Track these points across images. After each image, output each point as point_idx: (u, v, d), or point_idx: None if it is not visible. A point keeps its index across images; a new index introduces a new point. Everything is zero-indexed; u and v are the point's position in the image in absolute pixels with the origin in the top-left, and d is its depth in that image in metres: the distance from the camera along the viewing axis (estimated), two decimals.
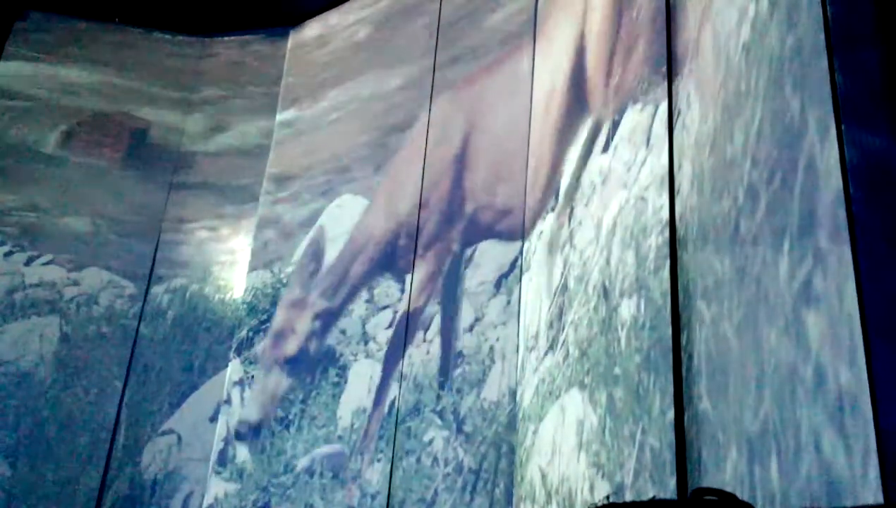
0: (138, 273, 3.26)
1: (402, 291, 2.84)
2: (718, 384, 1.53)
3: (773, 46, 1.49)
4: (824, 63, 1.35)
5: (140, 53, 3.65)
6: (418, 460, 2.54)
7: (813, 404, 1.37)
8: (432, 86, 3.08)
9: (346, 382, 2.86)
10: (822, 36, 1.36)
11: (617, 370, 1.88)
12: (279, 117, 3.52)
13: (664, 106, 1.92)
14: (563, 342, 2.20)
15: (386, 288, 2.92)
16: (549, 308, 2.34)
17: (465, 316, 2.66)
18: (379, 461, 2.63)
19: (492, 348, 2.55)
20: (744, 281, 1.49)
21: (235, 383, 3.04)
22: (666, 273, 1.74)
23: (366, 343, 2.88)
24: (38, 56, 3.54)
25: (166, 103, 3.59)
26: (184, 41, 3.68)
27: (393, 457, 2.58)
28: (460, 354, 2.61)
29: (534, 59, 2.83)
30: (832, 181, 1.28)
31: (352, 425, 2.76)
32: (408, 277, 2.84)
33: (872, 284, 1.23)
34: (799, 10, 1.43)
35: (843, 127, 1.30)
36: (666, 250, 1.74)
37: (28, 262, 3.23)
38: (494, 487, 2.34)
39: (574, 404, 2.05)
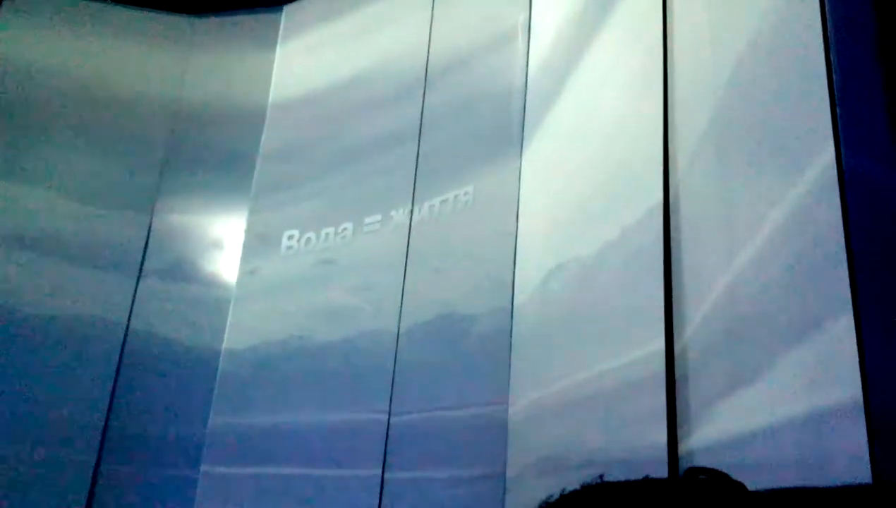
0: (129, 258, 3.26)
1: None
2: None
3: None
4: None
5: (131, 33, 3.61)
6: None
7: (804, 384, 1.39)
8: (427, 60, 3.07)
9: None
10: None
11: None
12: (272, 96, 3.49)
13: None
14: None
15: None
16: None
17: None
18: None
19: None
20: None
21: (228, 376, 3.05)
22: None
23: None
24: (27, 35, 3.51)
25: (157, 83, 3.55)
26: (175, 21, 3.65)
27: None
28: None
29: None
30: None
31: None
32: None
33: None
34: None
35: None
36: None
37: None
38: None
39: None
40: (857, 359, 1.27)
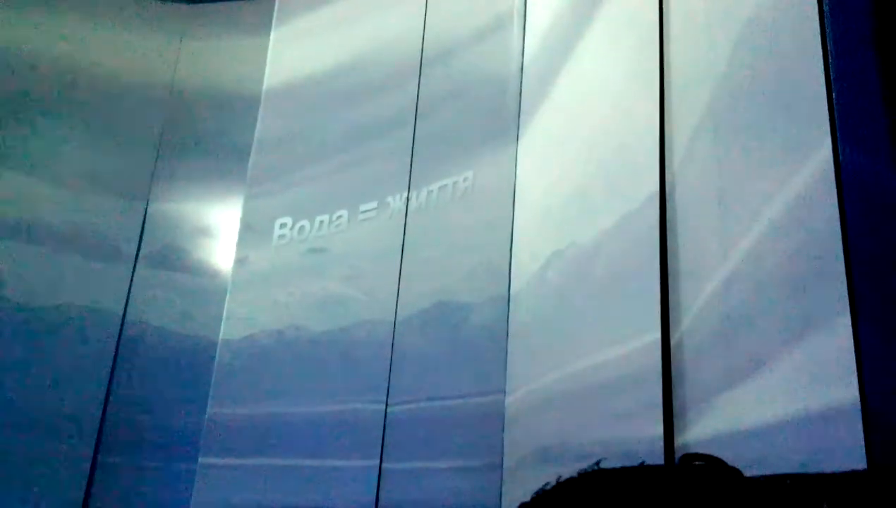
0: (124, 246, 3.24)
1: None
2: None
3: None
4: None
5: (125, 19, 3.57)
6: None
7: (797, 370, 1.39)
8: (422, 45, 3.06)
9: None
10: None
11: None
12: (267, 82, 3.46)
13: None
14: None
15: None
16: None
17: None
18: None
19: None
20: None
21: (225, 366, 3.04)
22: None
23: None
24: (18, 20, 3.46)
25: (151, 69, 3.52)
26: (169, 7, 3.62)
27: None
28: None
29: None
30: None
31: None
32: None
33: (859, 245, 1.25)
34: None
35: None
36: None
37: None
38: None
39: None
40: (854, 358, 1.26)
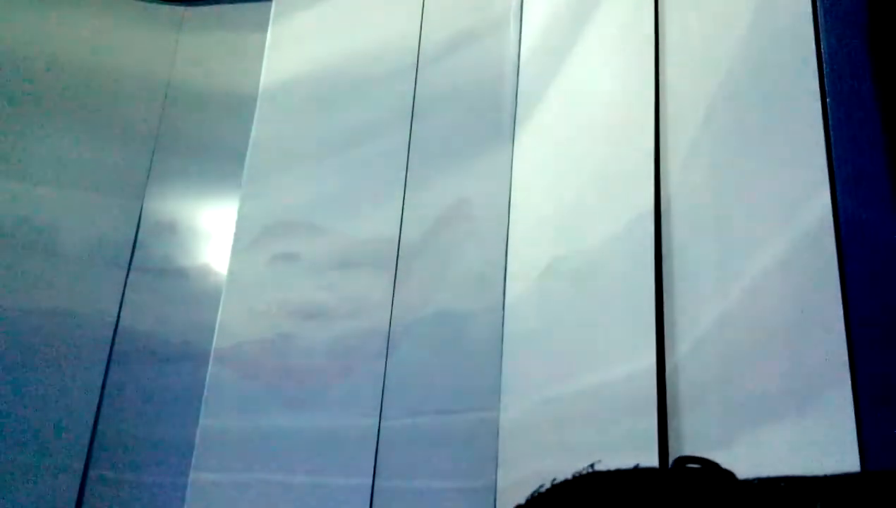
0: (118, 250, 3.22)
1: None
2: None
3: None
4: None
5: (122, 19, 3.57)
6: None
7: (790, 372, 1.39)
8: (419, 50, 3.08)
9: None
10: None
11: None
12: (263, 83, 3.46)
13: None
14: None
15: None
16: None
17: None
18: None
19: None
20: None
21: (217, 377, 3.01)
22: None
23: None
24: (13, 20, 3.46)
25: (149, 68, 3.52)
26: (162, 9, 3.64)
27: None
28: None
29: None
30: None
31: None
32: None
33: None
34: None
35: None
36: None
37: None
38: None
39: None
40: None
